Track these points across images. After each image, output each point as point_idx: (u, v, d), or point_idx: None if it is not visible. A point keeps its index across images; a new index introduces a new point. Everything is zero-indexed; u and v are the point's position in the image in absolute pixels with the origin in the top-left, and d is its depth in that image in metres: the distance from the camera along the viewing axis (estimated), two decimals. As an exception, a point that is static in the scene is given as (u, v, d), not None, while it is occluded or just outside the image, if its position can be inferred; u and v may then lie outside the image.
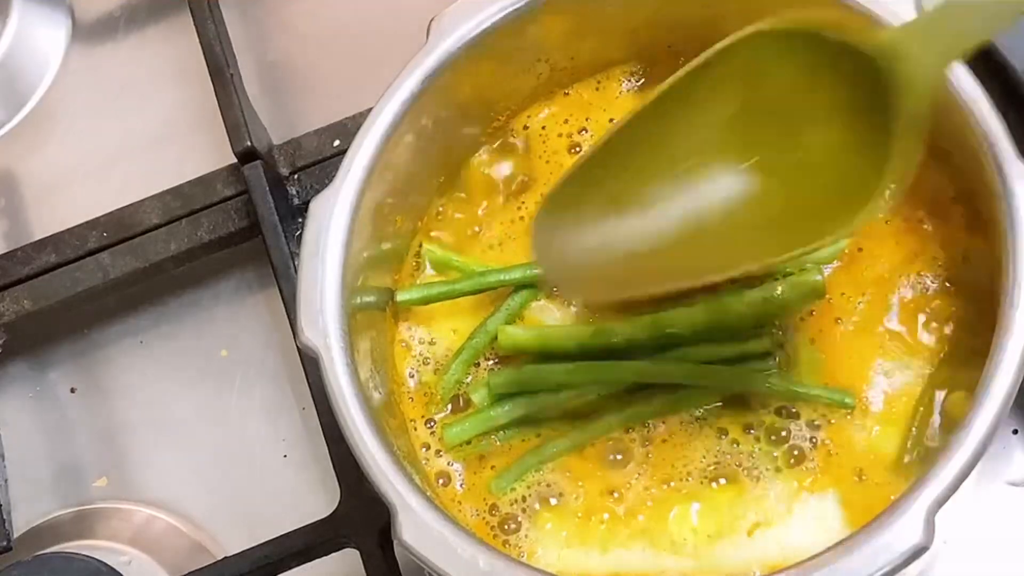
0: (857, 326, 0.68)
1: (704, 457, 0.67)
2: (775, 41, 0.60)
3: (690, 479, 0.66)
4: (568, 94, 0.77)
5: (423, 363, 0.72)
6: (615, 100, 0.77)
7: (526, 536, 0.66)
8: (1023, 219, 0.61)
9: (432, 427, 0.70)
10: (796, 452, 0.66)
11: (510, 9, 0.70)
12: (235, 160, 0.87)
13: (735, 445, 0.67)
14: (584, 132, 0.76)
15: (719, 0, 0.71)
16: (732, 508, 0.65)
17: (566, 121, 0.77)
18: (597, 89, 0.77)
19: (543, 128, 0.77)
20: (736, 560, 0.64)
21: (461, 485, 0.69)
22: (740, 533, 0.64)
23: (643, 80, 0.77)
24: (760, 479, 0.66)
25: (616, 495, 0.67)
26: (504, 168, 0.76)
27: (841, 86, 0.60)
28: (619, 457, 0.67)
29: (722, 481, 0.66)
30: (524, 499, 0.67)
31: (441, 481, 0.69)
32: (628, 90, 0.77)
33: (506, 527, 0.67)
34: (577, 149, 0.76)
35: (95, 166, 0.97)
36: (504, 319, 0.71)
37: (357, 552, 0.75)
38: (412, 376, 0.72)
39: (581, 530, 0.66)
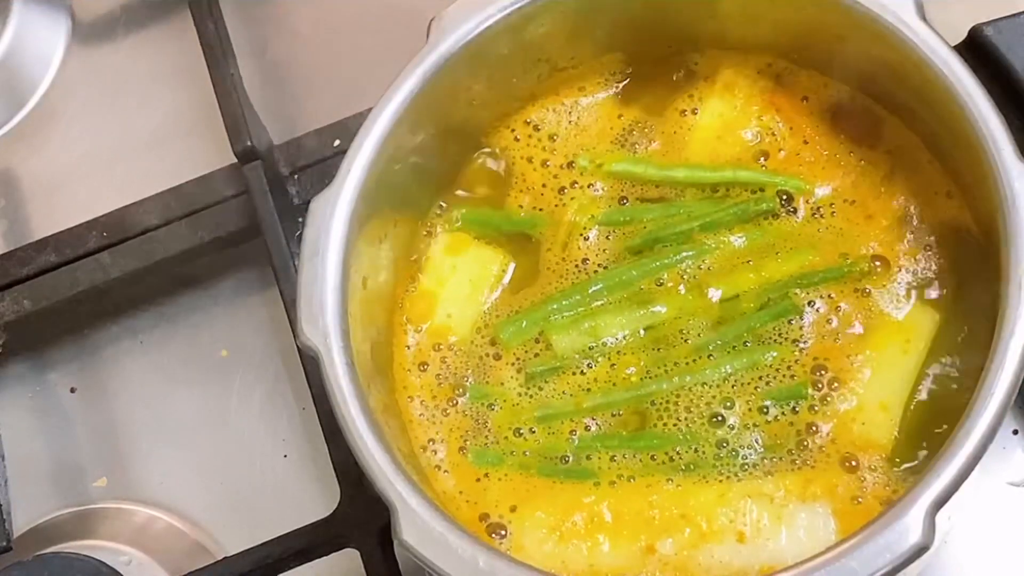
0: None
1: (696, 453, 0.67)
2: None
3: (678, 475, 0.66)
4: (569, 93, 0.77)
5: (422, 364, 0.72)
6: (616, 99, 0.77)
7: (511, 537, 0.67)
8: (1022, 218, 0.61)
9: (433, 441, 0.71)
10: (786, 446, 0.66)
11: (510, 9, 0.70)
12: (235, 160, 0.87)
13: (727, 438, 0.67)
14: (585, 132, 0.76)
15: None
16: (723, 505, 0.65)
17: (568, 121, 0.77)
18: (598, 88, 0.77)
19: (544, 127, 0.77)
20: (728, 561, 0.64)
21: (451, 479, 0.69)
22: (731, 532, 0.64)
23: (644, 79, 0.77)
24: (751, 475, 0.66)
25: (602, 492, 0.67)
26: (504, 167, 0.76)
27: None
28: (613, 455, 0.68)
29: (712, 477, 0.66)
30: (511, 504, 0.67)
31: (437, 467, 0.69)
32: (629, 89, 0.77)
33: (494, 533, 0.66)
34: (579, 150, 0.76)
35: (95, 166, 0.97)
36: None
37: (357, 552, 0.75)
38: (412, 376, 0.72)
39: (565, 529, 0.66)
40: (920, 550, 0.56)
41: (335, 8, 0.99)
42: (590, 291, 0.71)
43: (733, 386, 0.68)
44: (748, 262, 0.71)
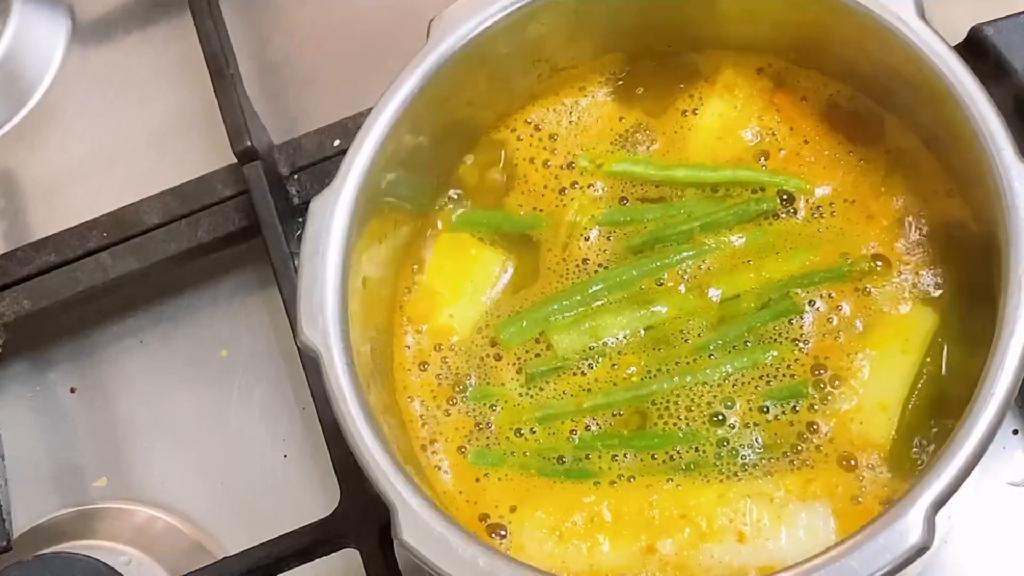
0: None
1: (696, 453, 0.67)
2: None
3: (678, 475, 0.66)
4: (569, 93, 0.77)
5: (423, 364, 0.72)
6: (616, 99, 0.77)
7: (511, 537, 0.67)
8: (1022, 218, 0.61)
9: (432, 430, 0.71)
10: (785, 447, 0.66)
11: (510, 9, 0.70)
12: (235, 160, 0.87)
13: (728, 437, 0.67)
14: (585, 132, 0.76)
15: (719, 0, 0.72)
16: (723, 505, 0.65)
17: (568, 121, 0.77)
18: (598, 88, 0.77)
19: (544, 127, 0.77)
20: (728, 561, 0.64)
21: (451, 480, 0.69)
22: (731, 532, 0.64)
23: (644, 79, 0.77)
24: (751, 475, 0.66)
25: (600, 492, 0.67)
26: (505, 167, 0.76)
27: None
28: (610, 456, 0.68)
29: (713, 477, 0.66)
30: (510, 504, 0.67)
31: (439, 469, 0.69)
32: (630, 89, 0.77)
33: (494, 533, 0.66)
34: (579, 150, 0.76)
35: (95, 166, 0.97)
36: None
37: (357, 552, 0.75)
38: (412, 376, 0.72)
39: (565, 529, 0.66)
40: (920, 550, 0.56)
41: (335, 8, 0.99)
42: (590, 291, 0.71)
43: (734, 385, 0.68)
44: (748, 262, 0.71)
